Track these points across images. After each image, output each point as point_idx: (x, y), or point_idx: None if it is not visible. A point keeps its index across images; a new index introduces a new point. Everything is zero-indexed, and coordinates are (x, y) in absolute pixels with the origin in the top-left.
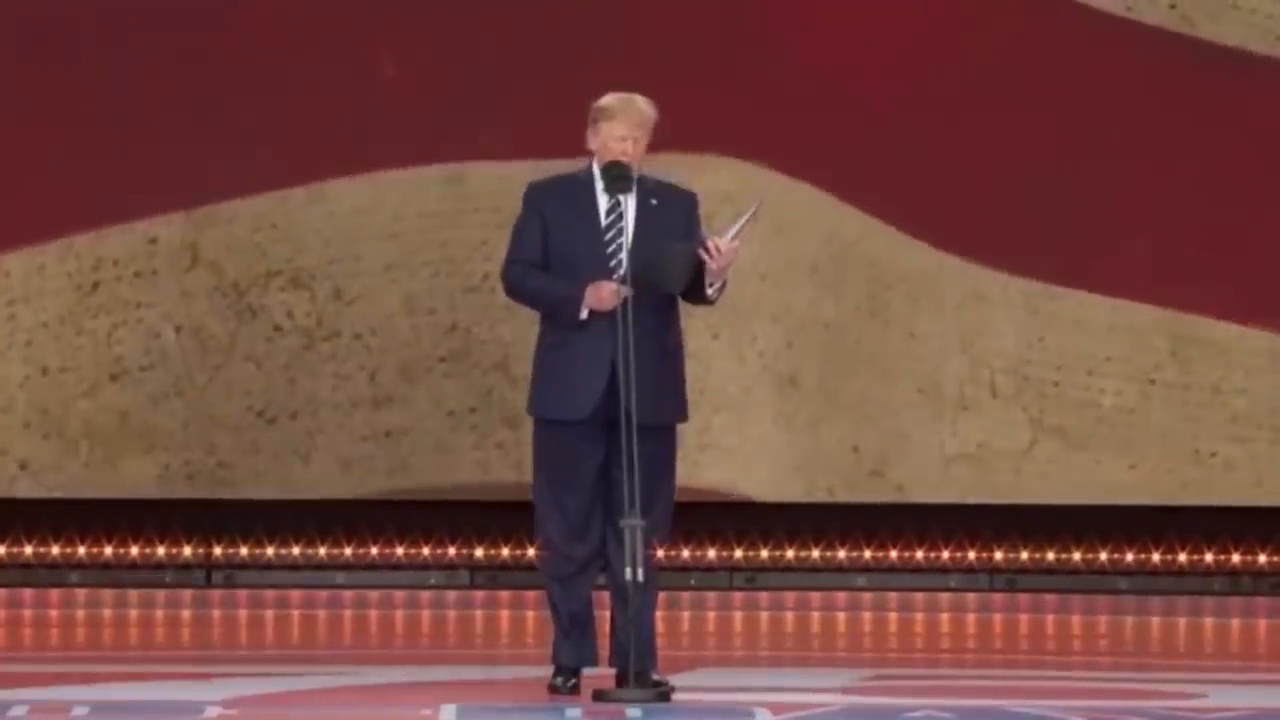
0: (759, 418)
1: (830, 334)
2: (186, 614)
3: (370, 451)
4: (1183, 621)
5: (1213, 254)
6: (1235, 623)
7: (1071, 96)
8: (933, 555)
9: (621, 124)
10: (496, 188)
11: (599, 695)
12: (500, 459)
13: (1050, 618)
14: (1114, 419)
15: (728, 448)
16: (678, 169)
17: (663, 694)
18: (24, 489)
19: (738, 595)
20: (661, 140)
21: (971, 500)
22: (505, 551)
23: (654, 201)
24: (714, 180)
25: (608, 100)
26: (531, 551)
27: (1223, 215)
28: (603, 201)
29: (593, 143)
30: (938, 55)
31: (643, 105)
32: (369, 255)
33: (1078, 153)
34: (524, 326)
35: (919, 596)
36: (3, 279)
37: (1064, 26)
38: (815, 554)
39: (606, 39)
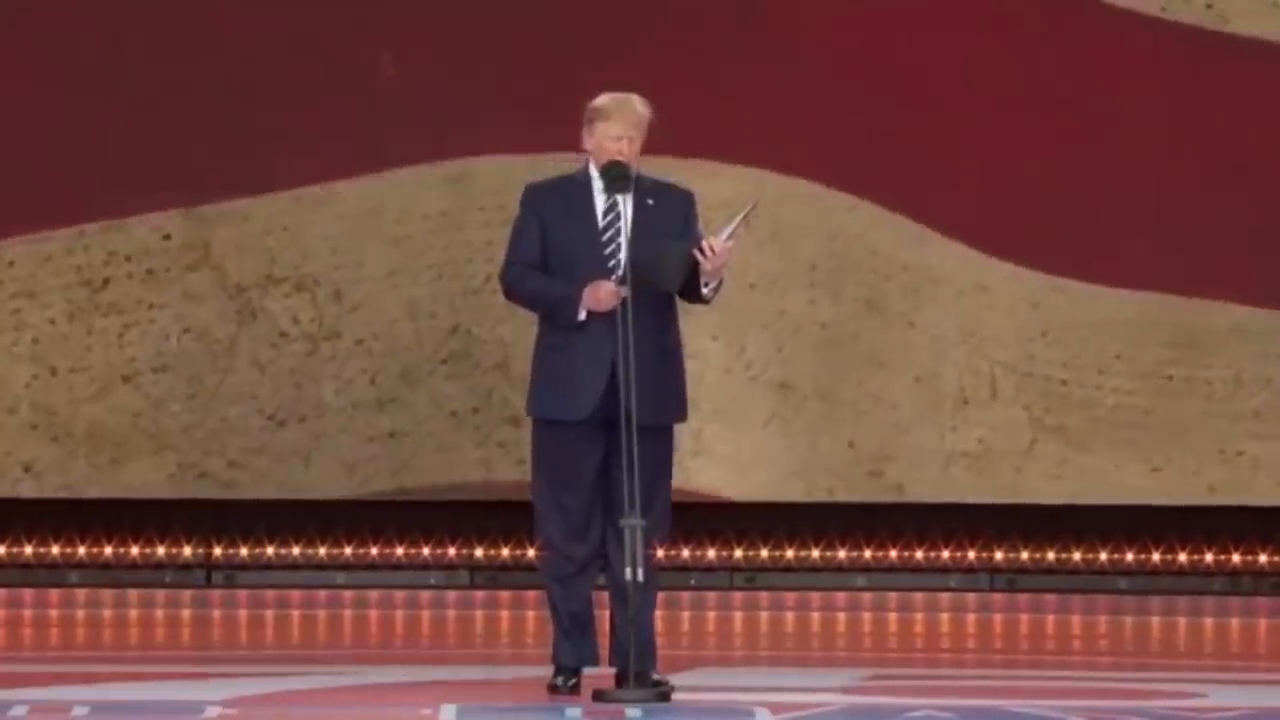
0: (755, 423)
1: (828, 333)
2: (186, 614)
3: (375, 452)
4: (1183, 621)
5: (1234, 244)
6: (1235, 623)
7: (1085, 91)
8: (933, 555)
9: (617, 124)
10: (499, 186)
11: (599, 695)
12: (502, 457)
13: (1050, 618)
14: (1132, 418)
15: (724, 456)
16: (675, 175)
17: (663, 694)
18: (30, 491)
19: (738, 595)
20: (661, 144)
21: (972, 500)
22: (505, 551)
23: (651, 201)
24: (713, 186)
25: (602, 100)
26: (531, 551)
27: (1242, 205)
28: (600, 201)
29: (588, 143)
30: (950, 51)
31: (638, 105)
32: (372, 260)
33: (1095, 147)
34: (524, 327)
35: (919, 596)
36: (4, 269)
37: (1085, 24)
38: (815, 554)
39: (606, 38)
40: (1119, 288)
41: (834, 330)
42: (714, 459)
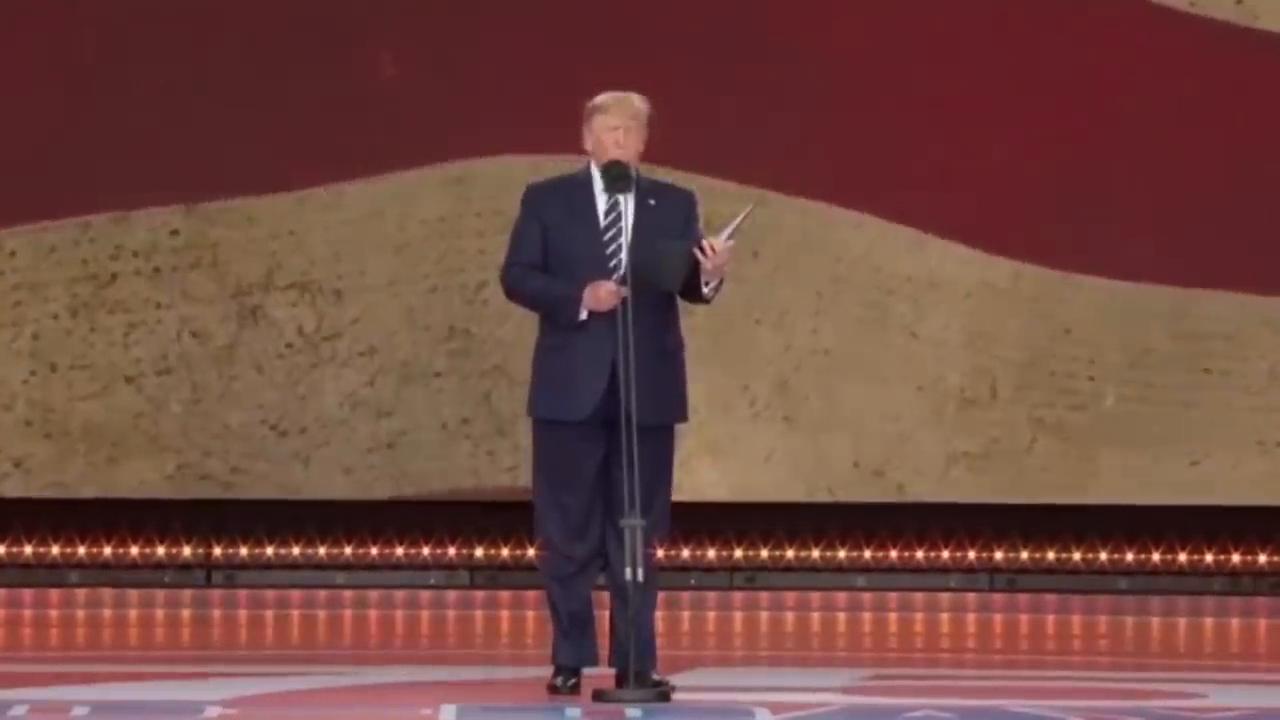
0: (755, 429)
1: (831, 360)
2: (186, 614)
3: (373, 461)
4: (1183, 621)
5: (1261, 236)
6: (1235, 623)
7: (1109, 85)
8: (933, 555)
9: (614, 115)
10: (499, 189)
11: (599, 695)
12: (491, 465)
13: (1050, 618)
14: (1170, 413)
15: (724, 459)
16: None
17: (663, 694)
18: (17, 488)
19: (738, 595)
20: (662, 156)
21: (973, 500)
22: (505, 551)
23: (652, 201)
24: (713, 208)
25: (600, 97)
26: (531, 551)
27: (1272, 198)
28: (601, 202)
29: (588, 141)
30: (961, 48)
31: (635, 99)
32: (373, 266)
33: (1121, 141)
34: (522, 332)
35: (919, 596)
36: (6, 259)
37: (1112, 19)
38: (815, 554)
39: (606, 39)
40: (1142, 283)
41: (839, 343)
42: (714, 463)
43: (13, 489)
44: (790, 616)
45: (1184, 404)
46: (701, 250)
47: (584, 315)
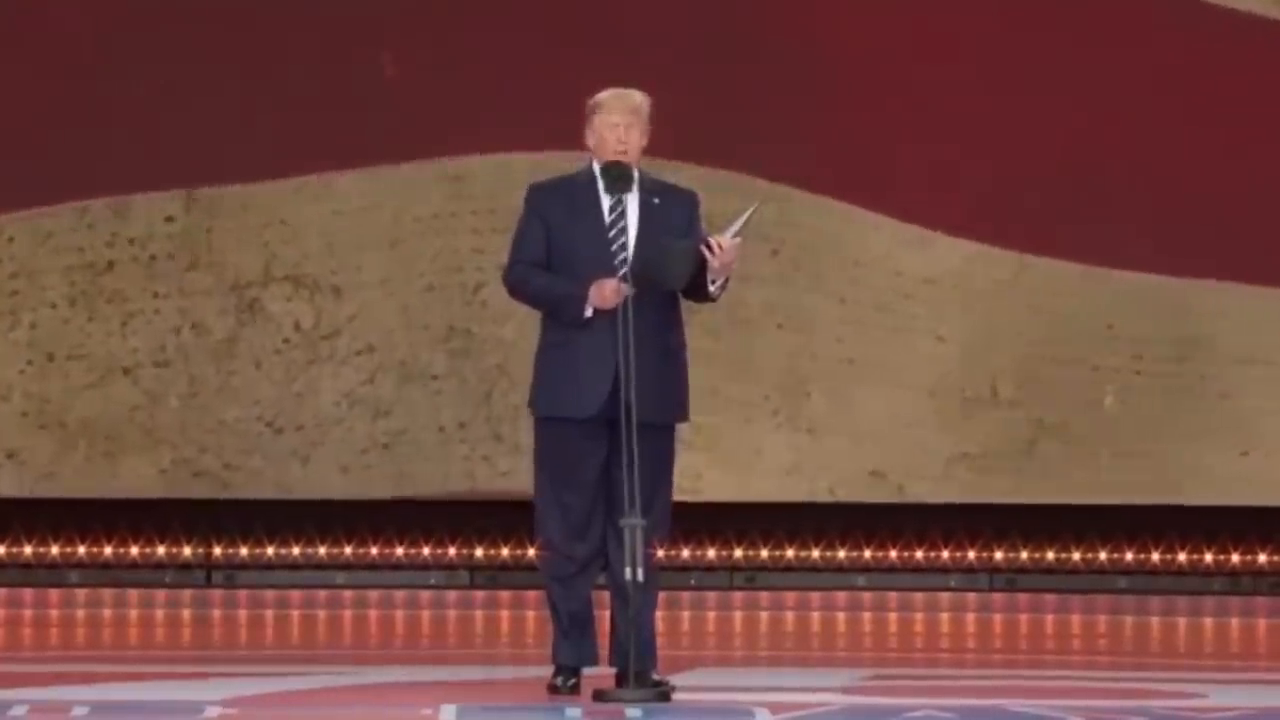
0: (758, 427)
1: (831, 359)
2: (186, 614)
3: (370, 461)
4: (1183, 621)
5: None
6: (1235, 623)
7: (1121, 78)
8: (933, 555)
9: (614, 111)
10: (496, 186)
11: (599, 695)
12: (488, 467)
13: (1050, 618)
14: (1176, 411)
15: (724, 458)
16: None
17: (663, 694)
18: (10, 479)
19: (738, 595)
20: (668, 150)
21: (975, 500)
22: (505, 551)
23: (656, 200)
24: (726, 201)
25: (601, 94)
26: (531, 551)
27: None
28: (605, 200)
29: (590, 139)
30: (977, 48)
31: (635, 95)
32: (369, 263)
33: (1128, 136)
34: (523, 327)
35: (919, 596)
36: (4, 246)
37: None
38: (815, 554)
39: (605, 38)
40: (1145, 276)
41: (839, 343)
42: (715, 463)
43: (7, 481)
44: (790, 616)
45: (1191, 402)
46: (709, 248)
47: (589, 313)
